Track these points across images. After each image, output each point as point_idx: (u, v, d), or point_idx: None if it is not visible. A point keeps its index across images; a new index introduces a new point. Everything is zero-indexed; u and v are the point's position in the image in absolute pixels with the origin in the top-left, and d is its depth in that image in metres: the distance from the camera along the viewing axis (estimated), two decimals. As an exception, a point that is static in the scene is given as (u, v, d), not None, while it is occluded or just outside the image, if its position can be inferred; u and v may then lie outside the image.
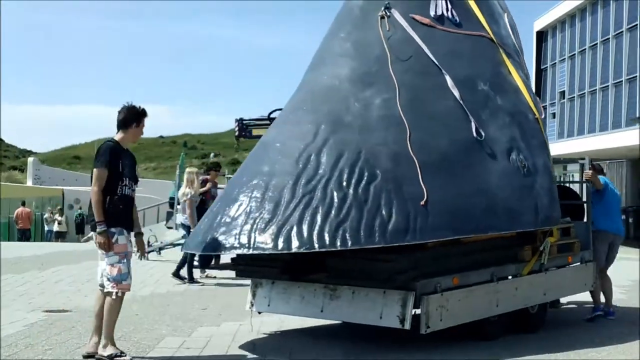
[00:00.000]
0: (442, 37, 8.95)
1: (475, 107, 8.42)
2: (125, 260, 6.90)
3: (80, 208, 38.84)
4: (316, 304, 7.84)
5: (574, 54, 33.25)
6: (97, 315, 6.97)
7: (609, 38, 29.59)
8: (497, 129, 8.46)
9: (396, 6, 8.98)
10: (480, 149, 8.14)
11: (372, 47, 8.70)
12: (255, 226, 7.15)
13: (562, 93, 33.99)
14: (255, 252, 7.13)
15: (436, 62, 8.58)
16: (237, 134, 19.57)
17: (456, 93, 8.39)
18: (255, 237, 7.09)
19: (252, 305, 8.34)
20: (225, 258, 16.53)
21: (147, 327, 8.70)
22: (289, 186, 7.35)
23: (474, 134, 8.16)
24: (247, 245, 7.09)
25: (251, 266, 8.21)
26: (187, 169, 13.89)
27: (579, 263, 9.92)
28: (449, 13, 9.22)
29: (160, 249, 16.71)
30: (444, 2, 9.25)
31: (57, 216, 33.84)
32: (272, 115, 18.91)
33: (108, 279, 6.86)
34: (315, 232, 7.00)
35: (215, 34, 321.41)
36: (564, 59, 34.45)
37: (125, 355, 6.86)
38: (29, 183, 59.38)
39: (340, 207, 7.14)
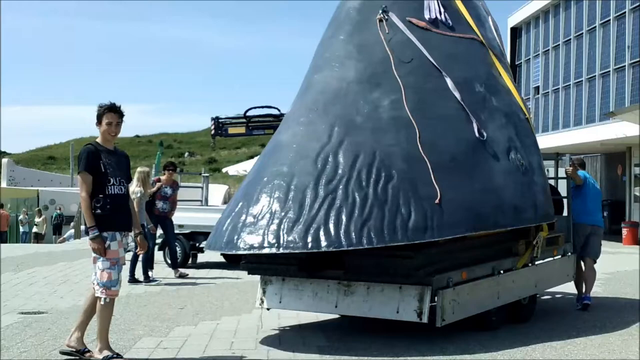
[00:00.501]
0: (438, 40, 9.24)
1: (474, 108, 8.75)
2: (116, 267, 6.88)
3: (59, 209, 38.55)
4: (330, 300, 8.11)
5: (548, 50, 33.44)
6: (84, 311, 7.03)
7: (582, 33, 29.79)
8: (496, 129, 8.82)
9: (393, 9, 9.24)
10: (483, 148, 8.51)
11: (375, 49, 8.96)
12: (282, 226, 7.39)
13: (537, 88, 34.21)
14: (285, 251, 7.34)
15: (436, 65, 8.87)
16: (213, 132, 19.52)
17: (457, 95, 8.70)
18: (284, 237, 7.32)
19: (262, 302, 8.52)
20: (203, 257, 16.52)
21: (123, 327, 8.65)
22: (310, 187, 7.62)
23: (477, 134, 8.51)
24: (276, 244, 7.30)
25: (264, 264, 8.37)
26: (139, 168, 13.44)
27: (560, 256, 10.44)
28: (442, 16, 9.50)
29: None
30: (436, 5, 9.51)
31: (36, 218, 33.58)
32: (248, 114, 18.97)
33: (98, 284, 6.84)
34: (341, 232, 7.27)
35: (190, 34, 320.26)
36: (538, 54, 34.63)
37: (121, 357, 6.90)
38: (4, 184, 58.80)
39: (363, 207, 7.44)
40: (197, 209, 17.38)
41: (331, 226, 7.30)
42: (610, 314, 10.01)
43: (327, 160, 7.83)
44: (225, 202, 38.56)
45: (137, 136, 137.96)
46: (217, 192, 35.73)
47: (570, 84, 30.98)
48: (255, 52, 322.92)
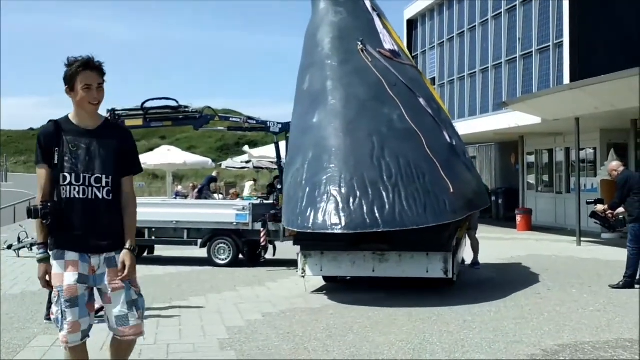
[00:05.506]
0: (400, 67, 11.49)
1: (439, 120, 11.12)
2: (57, 298, 4.60)
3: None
4: (367, 266, 10.34)
5: (443, 42, 34.06)
6: None
7: (475, 26, 30.42)
8: (452, 136, 11.23)
9: (366, 41, 11.37)
10: (455, 151, 11.03)
11: (368, 73, 11.06)
12: (375, 210, 9.41)
13: (433, 80, 34.67)
14: (385, 229, 9.39)
15: (411, 87, 11.15)
16: (109, 125, 19.04)
17: (430, 111, 11.06)
18: (381, 219, 9.38)
19: (304, 271, 10.47)
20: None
21: (17, 326, 8.41)
22: (379, 180, 9.75)
23: (448, 140, 10.90)
24: (376, 225, 9.36)
25: (318, 240, 10.14)
26: None
27: None
28: (394, 47, 11.59)
29: (32, 245, 16.11)
30: (388, 37, 11.59)
31: None
32: (145, 105, 18.60)
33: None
34: (415, 214, 9.51)
35: (88, 25, 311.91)
36: (434, 46, 35.22)
37: None
38: None
39: (420, 196, 9.70)
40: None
41: (408, 210, 9.46)
42: (506, 297, 10.31)
43: (380, 161, 9.98)
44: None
45: (32, 129, 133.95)
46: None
47: (464, 75, 31.64)
48: (154, 44, 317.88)
